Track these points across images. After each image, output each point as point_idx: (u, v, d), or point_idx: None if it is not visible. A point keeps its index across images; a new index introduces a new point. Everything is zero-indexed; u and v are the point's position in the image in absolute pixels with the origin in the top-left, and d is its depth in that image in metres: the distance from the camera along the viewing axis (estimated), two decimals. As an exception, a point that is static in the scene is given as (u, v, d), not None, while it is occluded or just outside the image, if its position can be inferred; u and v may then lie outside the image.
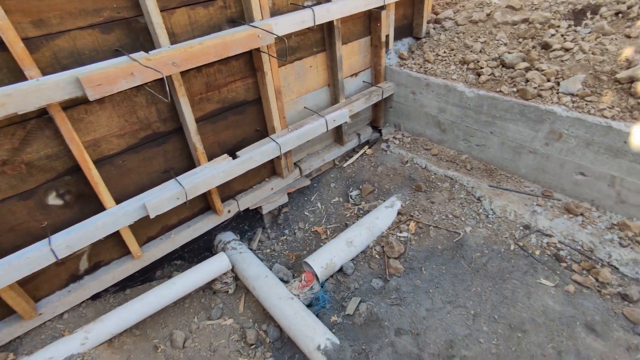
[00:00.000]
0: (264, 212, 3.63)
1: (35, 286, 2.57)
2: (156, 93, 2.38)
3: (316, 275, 3.05)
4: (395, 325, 2.50)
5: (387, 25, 3.74)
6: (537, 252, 2.79)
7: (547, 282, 2.56)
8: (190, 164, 2.95)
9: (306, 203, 3.91)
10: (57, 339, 2.57)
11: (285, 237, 3.71)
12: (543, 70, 3.10)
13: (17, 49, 1.90)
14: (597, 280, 2.52)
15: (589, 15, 3.45)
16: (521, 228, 2.99)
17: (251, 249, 3.57)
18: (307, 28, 3.01)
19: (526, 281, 2.59)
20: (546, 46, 3.35)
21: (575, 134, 2.85)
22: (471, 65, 3.53)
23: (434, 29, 4.19)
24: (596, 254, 2.67)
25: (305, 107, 3.59)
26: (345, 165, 4.13)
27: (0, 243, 2.31)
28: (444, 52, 3.84)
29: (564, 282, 2.55)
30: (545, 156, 3.10)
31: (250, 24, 2.65)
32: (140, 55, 2.21)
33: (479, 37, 3.81)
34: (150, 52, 2.28)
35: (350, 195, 3.88)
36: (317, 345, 2.52)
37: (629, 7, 3.29)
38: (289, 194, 3.76)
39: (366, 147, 4.27)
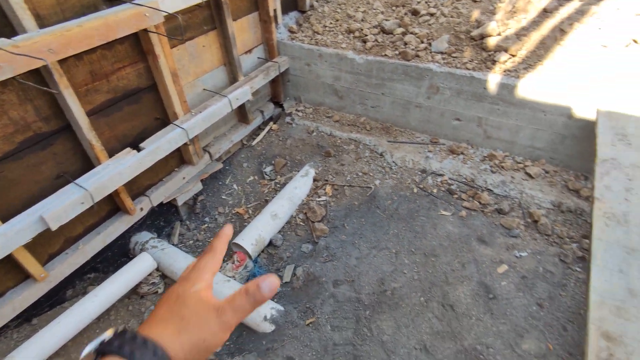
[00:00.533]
0: (179, 203, 3.47)
1: None
2: (39, 86, 2.07)
3: (248, 254, 3.10)
4: (332, 278, 2.73)
5: (274, -1, 3.78)
6: (435, 190, 3.28)
7: (445, 212, 3.06)
8: (87, 164, 2.65)
9: (222, 187, 3.85)
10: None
11: (206, 225, 3.62)
12: (417, 34, 3.54)
13: None
14: (480, 203, 3.11)
15: (444, -17, 3.99)
16: (419, 173, 3.46)
17: (173, 244, 3.41)
18: (196, 5, 2.88)
19: (430, 215, 3.05)
20: (415, 12, 3.80)
21: (448, 86, 3.36)
22: (356, 34, 3.82)
23: (317, 1, 4.36)
24: (476, 182, 3.26)
25: (204, 89, 3.47)
26: (254, 143, 4.14)
27: None
28: (330, 23, 4.06)
29: (458, 210, 3.08)
30: (428, 108, 3.59)
31: (133, 1, 2.43)
32: (3, 42, 1.88)
33: (358, 7, 4.11)
34: (14, 38, 1.95)
35: (265, 172, 3.94)
36: (264, 316, 2.61)
37: (472, -25, 3.91)
38: (202, 180, 3.65)
39: (271, 123, 4.33)
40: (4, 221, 2.22)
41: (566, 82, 2.95)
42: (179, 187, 3.41)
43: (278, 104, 4.47)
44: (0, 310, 2.39)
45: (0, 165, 2.22)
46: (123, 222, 2.99)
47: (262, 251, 3.25)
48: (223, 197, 3.78)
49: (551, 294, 2.43)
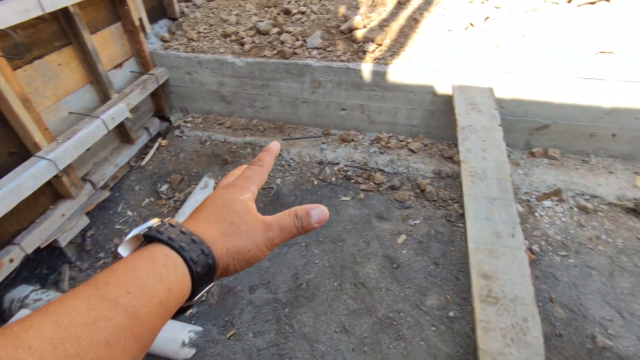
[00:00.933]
0: (63, 244, 3.06)
1: None
2: None
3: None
4: (247, 285, 2.68)
5: (136, 7, 3.52)
6: (333, 179, 3.44)
7: (346, 198, 3.23)
8: None
9: (114, 216, 3.49)
10: None
11: (102, 261, 3.26)
12: (291, 32, 3.64)
13: None
14: (375, 183, 3.35)
15: (309, -18, 4.17)
16: (317, 165, 3.58)
17: (64, 291, 2.99)
18: (37, 18, 2.54)
19: (333, 203, 3.19)
20: (287, 12, 3.90)
21: (329, 79, 3.53)
22: (233, 37, 3.78)
23: (187, 7, 4.20)
24: (369, 165, 3.51)
25: (71, 112, 3.10)
26: (143, 163, 3.84)
27: None
28: (205, 28, 3.94)
29: (356, 194, 3.27)
30: (315, 102, 3.73)
31: (-53, 20, 2.05)
32: None
33: (231, 10, 4.07)
34: None
35: (161, 191, 3.69)
36: (182, 342, 2.46)
37: (334, -26, 4.15)
38: (88, 213, 3.27)
39: (160, 139, 4.06)
40: None
41: (425, 63, 3.33)
42: (59, 225, 3.00)
43: (164, 118, 4.21)
44: None
45: None
46: (-12, 280, 2.53)
47: (171, 275, 3.04)
48: (117, 227, 3.43)
49: (444, 252, 2.73)
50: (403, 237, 2.86)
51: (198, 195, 3.44)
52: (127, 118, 3.40)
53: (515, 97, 3.24)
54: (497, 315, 1.96)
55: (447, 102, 3.33)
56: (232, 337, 2.41)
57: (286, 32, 3.69)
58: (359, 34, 3.53)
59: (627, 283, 2.52)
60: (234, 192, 0.55)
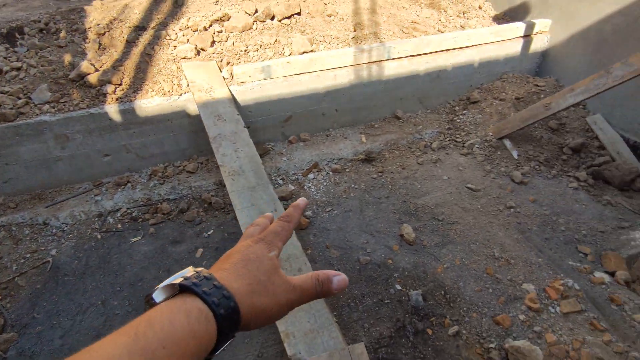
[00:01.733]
0: None
1: None
2: None
3: None
4: (40, 377, 2.33)
5: None
6: (119, 226, 3.29)
7: (136, 238, 3.15)
8: None
9: None
10: None
11: None
12: (8, 92, 3.26)
13: None
14: (163, 214, 3.38)
15: (18, 35, 3.80)
16: (96, 219, 3.35)
17: None
18: None
19: (123, 249, 3.07)
20: (-1, 71, 3.46)
21: (75, 130, 3.34)
22: None
23: None
24: (152, 199, 3.50)
25: None
26: None
27: None
28: None
29: (146, 231, 3.23)
30: (70, 157, 3.46)
31: None
32: None
33: None
34: None
35: None
36: None
37: (46, 24, 3.91)
38: None
39: None
40: None
41: (169, 91, 3.55)
42: None
43: None
44: None
45: None
46: None
47: None
48: None
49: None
50: (200, 250, 3.02)
51: (-58, 312, 2.72)
52: None
53: (257, 101, 3.82)
54: (278, 277, 2.34)
55: (201, 121, 3.64)
56: None
57: (2, 92, 3.27)
58: (93, 78, 3.46)
59: (372, 211, 3.37)
60: (263, 248, 0.57)
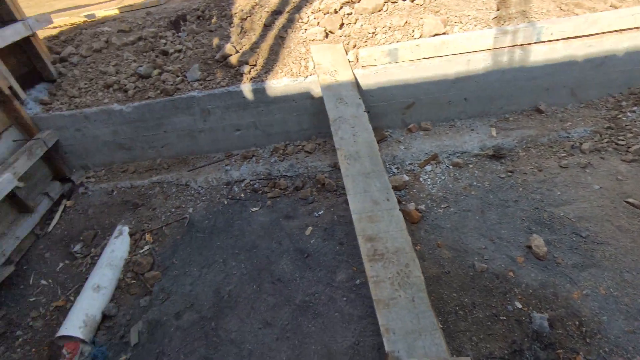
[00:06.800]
0: (-29, 333, 2.90)
1: None
2: None
3: (81, 340, 2.83)
4: (172, 313, 2.76)
5: (2, 77, 3.49)
6: (242, 195, 3.64)
7: (255, 208, 3.44)
8: None
9: (25, 290, 3.36)
10: None
11: (20, 339, 3.12)
12: (171, 71, 3.84)
13: None
14: (280, 189, 3.60)
15: (181, 22, 4.42)
16: (225, 186, 3.76)
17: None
18: None
19: (244, 217, 3.39)
20: (165, 53, 4.09)
21: (216, 105, 3.76)
22: (115, 86, 3.88)
23: (64, 67, 4.20)
24: (272, 174, 3.76)
25: (-51, 196, 2.98)
26: (50, 229, 3.74)
27: None
28: (85, 84, 3.99)
29: (264, 203, 3.50)
30: (210, 130, 3.94)
31: None
32: None
33: (109, 61, 4.16)
34: None
35: (75, 252, 3.62)
36: (116, 388, 2.46)
37: (202, 11, 4.45)
38: (-6, 294, 3.12)
39: (64, 200, 3.98)
40: None
41: (298, 73, 3.70)
42: (-39, 314, 2.84)
43: (65, 179, 4.13)
44: None
45: None
46: None
47: (99, 328, 3.01)
48: (31, 299, 3.31)
49: (347, 232, 3.04)
50: (310, 228, 3.13)
51: (113, 245, 3.44)
52: (17, 187, 3.33)
53: (380, 85, 3.71)
54: (384, 268, 2.28)
55: (323, 103, 3.71)
56: (165, 367, 2.47)
57: (166, 71, 3.87)
58: (233, 59, 3.82)
59: (495, 215, 3.01)
60: None
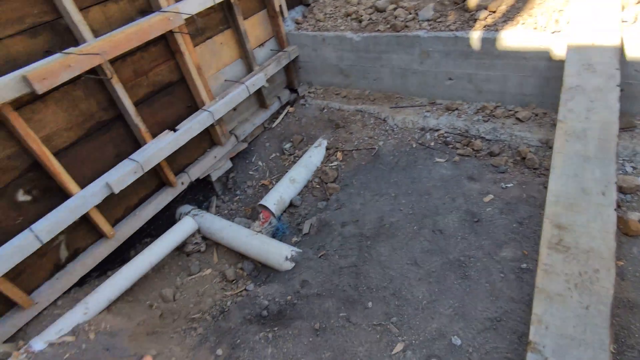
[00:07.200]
0: (214, 179, 4.10)
1: (25, 279, 2.84)
2: (97, 76, 2.75)
3: (272, 213, 3.63)
4: (340, 221, 3.18)
5: (278, -3, 4.33)
6: (432, 144, 3.63)
7: (440, 159, 3.40)
8: (137, 145, 3.33)
9: (248, 165, 4.44)
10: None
11: (237, 197, 4.23)
12: (405, 7, 3.92)
13: (-37, 60, 2.20)
14: (473, 149, 3.41)
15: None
16: (418, 131, 3.82)
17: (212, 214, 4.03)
18: (210, 7, 3.50)
19: (427, 164, 3.41)
20: (405, -11, 4.17)
21: (437, 49, 3.70)
22: (353, 16, 4.27)
23: (318, -6, 4.86)
24: (470, 132, 3.56)
25: (226, 80, 4.09)
26: (274, 125, 4.71)
27: (-18, 244, 2.58)
28: (331, 10, 4.53)
29: (452, 157, 3.41)
30: (423, 73, 3.94)
31: (160, 10, 3.08)
32: (71, 50, 2.58)
33: (355, -8, 4.55)
34: (78, 46, 2.65)
35: (285, 148, 4.48)
36: (285, 256, 3.11)
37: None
38: (231, 159, 4.26)
39: (288, 106, 4.87)
40: (82, 187, 2.93)
41: (542, 26, 3.19)
42: (212, 164, 4.04)
43: (293, 89, 5.01)
44: (85, 260, 3.12)
45: (77, 146, 2.94)
46: (168, 193, 3.65)
47: (285, 211, 3.78)
48: (250, 172, 4.37)
49: (531, 214, 2.70)
50: (490, 196, 2.92)
51: (312, 152, 4.09)
52: (264, 86, 4.25)
53: (654, 59, 2.84)
54: (563, 262, 1.98)
55: (561, 67, 3.13)
56: (322, 257, 2.95)
57: (401, 7, 3.98)
58: (472, 3, 3.57)
59: None
60: None
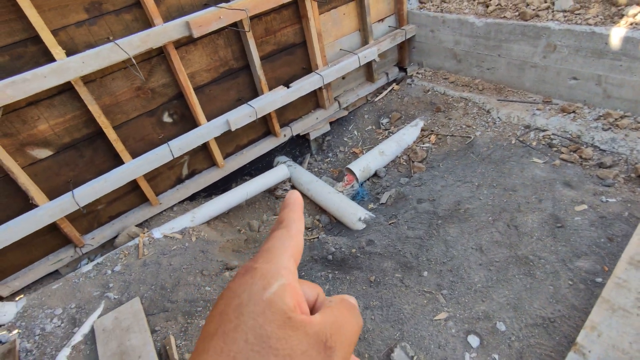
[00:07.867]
0: (311, 138, 4.51)
1: (156, 184, 3.64)
2: (237, 29, 3.28)
3: (356, 177, 3.91)
4: (416, 197, 3.31)
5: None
6: (534, 143, 3.45)
7: (538, 160, 3.24)
8: (255, 93, 3.88)
9: (345, 132, 4.75)
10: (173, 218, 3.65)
11: (329, 159, 4.59)
12: (541, -5, 3.67)
13: (150, 4, 2.87)
14: (580, 157, 3.16)
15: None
16: (522, 128, 3.64)
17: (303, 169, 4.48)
18: (339, -22, 3.78)
19: (521, 162, 3.29)
20: (547, -25, 3.86)
21: (566, 44, 3.42)
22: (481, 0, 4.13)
23: (450, -26, 4.76)
24: (582, 139, 3.29)
25: (341, 49, 4.39)
26: (376, 100, 4.90)
27: (136, 148, 3.37)
28: (458, -8, 4.44)
29: (552, 160, 3.22)
30: (544, 68, 3.69)
31: (296, -23, 3.47)
32: (223, 5, 3.12)
33: (489, -25, 4.36)
34: (229, 2, 3.18)
35: (381, 123, 4.67)
36: (359, 217, 3.39)
37: None
38: (330, 123, 4.61)
39: (394, 84, 4.99)
40: (208, 120, 3.58)
41: None
42: (313, 124, 4.45)
43: (402, 68, 5.09)
44: (199, 180, 3.82)
45: (210, 86, 3.57)
46: (272, 142, 4.18)
47: (368, 179, 4.02)
48: (345, 139, 4.68)
49: (627, 233, 2.48)
50: (584, 206, 2.74)
51: (407, 130, 4.21)
52: (374, 60, 4.44)
53: None
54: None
55: None
56: (392, 224, 3.15)
57: (535, -6, 3.73)
58: (623, -4, 3.20)
59: None
60: (252, 284, 0.33)
